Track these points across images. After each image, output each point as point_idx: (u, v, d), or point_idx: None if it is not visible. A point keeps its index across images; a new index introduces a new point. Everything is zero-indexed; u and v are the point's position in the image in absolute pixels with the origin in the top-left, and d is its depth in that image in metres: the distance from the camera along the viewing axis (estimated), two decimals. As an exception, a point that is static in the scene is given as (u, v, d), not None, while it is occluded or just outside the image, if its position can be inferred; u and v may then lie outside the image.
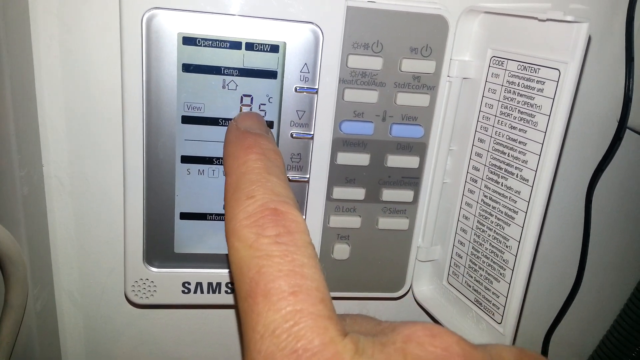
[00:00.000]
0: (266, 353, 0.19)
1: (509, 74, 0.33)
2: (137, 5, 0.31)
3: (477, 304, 0.37)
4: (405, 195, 0.38)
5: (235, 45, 0.33)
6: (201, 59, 0.33)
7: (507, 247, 0.34)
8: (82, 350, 0.44)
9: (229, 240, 0.23)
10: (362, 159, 0.37)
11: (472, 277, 0.38)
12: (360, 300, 0.45)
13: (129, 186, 0.34)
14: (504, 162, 0.34)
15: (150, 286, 0.37)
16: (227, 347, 0.45)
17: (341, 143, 0.36)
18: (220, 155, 0.35)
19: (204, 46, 0.32)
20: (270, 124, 0.35)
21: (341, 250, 0.39)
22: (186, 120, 0.34)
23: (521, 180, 0.33)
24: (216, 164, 0.35)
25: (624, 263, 0.51)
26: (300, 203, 0.37)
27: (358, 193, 0.38)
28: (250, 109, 0.34)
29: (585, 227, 0.47)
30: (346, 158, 0.37)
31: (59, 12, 0.34)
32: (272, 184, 0.25)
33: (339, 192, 0.38)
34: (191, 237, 0.37)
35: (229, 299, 0.38)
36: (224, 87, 0.34)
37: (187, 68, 0.33)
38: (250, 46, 0.33)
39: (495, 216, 0.35)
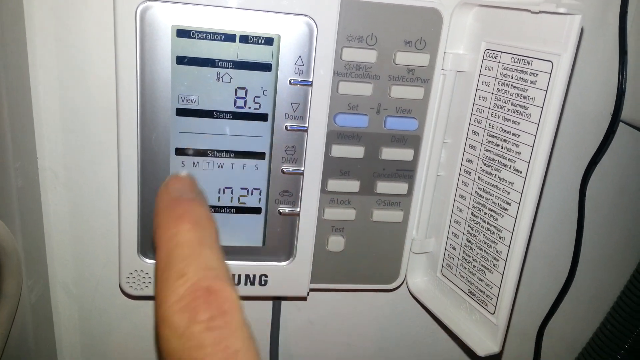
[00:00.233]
0: None
1: (503, 67, 0.33)
2: (131, -3, 0.31)
3: (471, 295, 0.38)
4: (400, 187, 0.39)
5: (229, 37, 0.33)
6: (195, 52, 0.33)
7: (500, 238, 0.35)
8: (77, 342, 0.44)
9: (158, 328, 0.21)
10: (356, 151, 0.37)
11: (465, 268, 0.38)
12: (354, 292, 0.45)
13: (124, 178, 0.35)
14: (497, 154, 0.34)
15: (145, 278, 0.37)
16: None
17: (336, 136, 0.36)
18: (215, 147, 0.35)
19: (198, 38, 0.32)
20: (264, 117, 0.35)
21: (336, 243, 0.39)
22: (180, 112, 0.34)
23: (514, 171, 0.33)
24: (210, 157, 0.35)
25: (617, 257, 0.51)
26: (295, 195, 0.37)
27: (353, 185, 0.38)
28: (245, 102, 0.34)
29: (579, 220, 0.47)
30: (341, 150, 0.37)
31: (53, 4, 0.34)
32: (204, 258, 0.23)
33: (334, 185, 0.38)
34: (186, 229, 0.37)
35: (223, 291, 0.38)
36: (218, 79, 0.34)
37: (182, 60, 0.33)
38: (244, 39, 0.33)
39: (489, 208, 0.35)
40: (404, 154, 0.38)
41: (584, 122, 0.44)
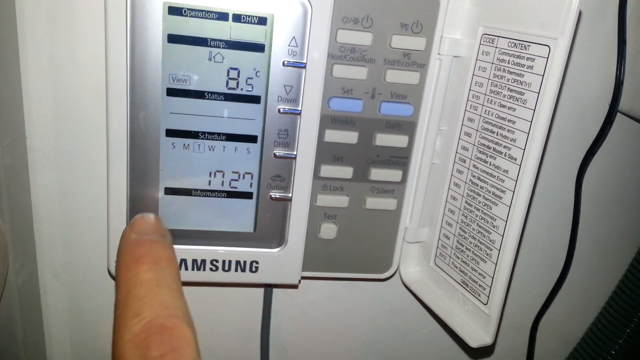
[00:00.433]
0: None
1: (500, 52, 0.33)
2: (121, -28, 0.30)
3: (464, 285, 0.37)
4: (394, 175, 0.38)
5: (222, 16, 0.32)
6: (187, 30, 0.32)
7: (494, 227, 0.34)
8: (66, 326, 0.43)
9: None
10: (350, 136, 0.36)
11: (459, 258, 0.38)
12: (346, 281, 0.45)
13: (113, 160, 0.34)
14: (492, 141, 0.34)
15: (134, 262, 0.36)
16: (211, 325, 0.45)
17: (329, 120, 0.36)
18: (207, 129, 0.35)
19: (190, 16, 0.32)
20: (257, 99, 0.34)
21: (328, 230, 0.39)
22: (171, 92, 0.33)
23: (509, 159, 0.33)
24: (202, 139, 0.35)
25: (613, 249, 0.51)
26: (287, 180, 0.36)
27: (346, 172, 0.37)
28: (237, 83, 0.34)
29: (575, 212, 0.46)
30: (334, 135, 0.36)
31: (43, -20, 0.34)
32: (161, 297, 0.24)
33: (327, 170, 0.37)
34: (176, 213, 0.36)
35: (213, 277, 0.37)
36: (210, 59, 0.33)
37: (173, 39, 0.32)
38: (237, 18, 0.32)
39: (483, 196, 0.35)
40: (399, 140, 0.37)
41: (581, 113, 0.44)
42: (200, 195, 0.36)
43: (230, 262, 0.37)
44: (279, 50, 0.33)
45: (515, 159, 0.32)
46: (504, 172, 0.33)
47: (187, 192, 0.36)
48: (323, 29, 0.33)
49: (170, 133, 0.34)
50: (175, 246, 0.36)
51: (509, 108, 0.32)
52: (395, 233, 0.40)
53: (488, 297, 0.35)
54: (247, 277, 0.38)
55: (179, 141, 0.35)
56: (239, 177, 0.36)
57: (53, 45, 0.35)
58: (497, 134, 0.33)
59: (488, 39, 0.34)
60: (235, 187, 0.36)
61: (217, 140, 0.35)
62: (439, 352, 0.50)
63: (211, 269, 0.37)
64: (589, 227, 0.49)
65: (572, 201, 0.46)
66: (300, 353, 0.48)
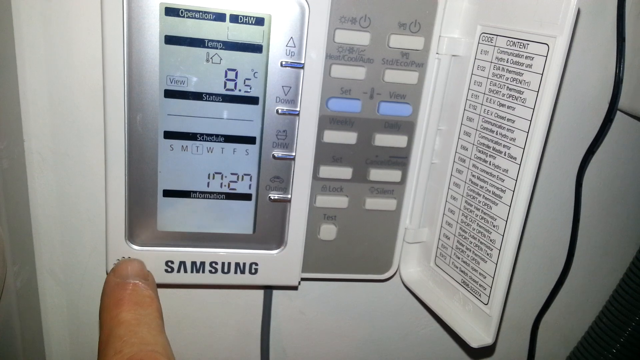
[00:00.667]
0: None
1: (498, 50, 0.33)
2: (118, -26, 0.30)
3: (464, 286, 0.37)
4: (393, 175, 0.38)
5: (219, 17, 0.32)
6: (184, 31, 0.32)
7: (494, 226, 0.34)
8: (65, 329, 0.43)
9: None
10: (349, 137, 0.36)
11: (459, 258, 0.37)
12: (346, 282, 0.45)
13: (110, 162, 0.34)
14: (492, 141, 0.34)
15: (133, 264, 0.36)
16: (210, 327, 0.45)
17: (328, 120, 0.36)
18: (205, 130, 0.34)
19: (187, 17, 0.32)
20: (255, 100, 0.34)
21: (328, 231, 0.39)
22: (169, 94, 0.33)
23: (509, 158, 0.32)
24: (200, 140, 0.35)
25: (614, 248, 0.51)
26: (286, 181, 0.36)
27: (345, 172, 0.37)
28: (235, 85, 0.34)
29: (575, 211, 0.46)
30: (333, 136, 0.36)
31: (39, -18, 0.33)
32: (141, 335, 0.26)
33: (326, 171, 0.37)
34: (174, 215, 0.36)
35: (212, 279, 0.37)
36: (207, 60, 0.33)
37: (170, 40, 0.32)
38: (234, 18, 0.32)
39: (483, 196, 0.35)
40: (398, 140, 0.37)
41: (580, 111, 0.44)
42: (199, 197, 0.36)
43: (229, 264, 0.37)
44: (277, 51, 0.33)
45: (515, 158, 0.32)
46: (503, 171, 0.33)
47: (185, 194, 0.36)
48: (321, 29, 0.33)
49: (169, 135, 0.34)
50: (175, 249, 0.36)
51: (509, 107, 0.32)
52: (395, 233, 0.40)
53: (489, 297, 0.35)
54: (246, 278, 0.38)
55: (177, 143, 0.34)
56: (237, 179, 0.36)
57: (50, 47, 0.35)
58: (497, 133, 0.33)
59: (486, 38, 0.34)
60: (234, 189, 0.36)
61: (215, 141, 0.35)
62: (439, 352, 0.50)
63: (210, 271, 0.37)
64: (590, 226, 0.48)
65: (572, 200, 0.46)
66: (301, 354, 0.48)
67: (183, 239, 0.37)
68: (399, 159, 0.38)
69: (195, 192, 0.36)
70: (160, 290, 0.42)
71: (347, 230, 0.39)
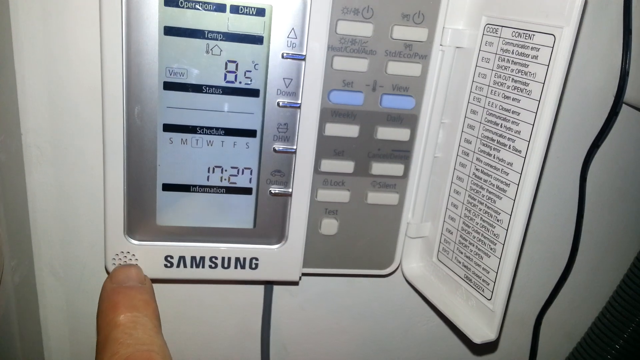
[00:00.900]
0: None
1: (503, 42, 0.32)
2: (116, -37, 0.30)
3: (467, 281, 0.37)
4: (396, 169, 0.37)
5: (219, 7, 0.31)
6: (184, 22, 0.31)
7: (498, 220, 0.33)
8: (64, 326, 0.43)
9: None
10: (351, 130, 0.36)
11: (462, 253, 0.37)
12: (347, 277, 0.44)
13: (109, 156, 0.33)
14: (496, 134, 0.33)
15: (132, 259, 0.36)
16: (208, 323, 0.44)
17: (330, 113, 0.35)
18: (205, 124, 0.34)
19: (186, 8, 0.31)
20: (256, 92, 0.34)
21: (329, 226, 0.38)
22: (168, 86, 0.33)
23: (514, 151, 0.32)
24: (200, 133, 0.34)
25: (618, 243, 0.50)
26: (287, 175, 0.36)
27: (347, 166, 0.37)
28: (235, 77, 0.33)
29: (579, 206, 0.46)
30: (335, 129, 0.36)
31: (36, -28, 0.33)
32: (137, 336, 0.27)
33: (327, 165, 0.36)
34: (174, 209, 0.36)
35: (212, 274, 0.37)
36: (207, 52, 0.32)
37: (169, 31, 0.31)
38: (235, 9, 0.32)
39: (487, 189, 0.34)
40: (400, 133, 0.36)
41: (585, 104, 0.43)
42: (198, 192, 0.35)
43: (229, 258, 0.37)
44: (278, 42, 0.33)
45: (520, 151, 0.32)
46: (508, 164, 0.32)
47: (185, 188, 0.35)
48: (323, 20, 0.32)
49: (168, 128, 0.34)
50: (174, 243, 0.36)
51: (514, 99, 0.32)
52: (397, 228, 0.39)
53: (492, 292, 0.35)
54: (246, 274, 0.37)
55: (177, 136, 0.34)
56: (238, 173, 0.35)
57: (48, 40, 0.34)
58: (501, 126, 0.33)
59: (491, 29, 0.33)
60: (235, 183, 0.36)
61: (215, 135, 0.34)
62: (442, 348, 0.50)
63: (210, 266, 0.37)
64: (594, 221, 0.48)
65: (576, 194, 0.46)
66: (301, 350, 0.47)
67: (183, 233, 0.36)
68: (402, 152, 0.37)
69: (195, 186, 0.35)
70: (159, 287, 0.41)
71: (348, 224, 0.38)
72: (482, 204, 0.35)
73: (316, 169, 0.36)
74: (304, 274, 0.39)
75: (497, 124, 0.33)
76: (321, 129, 0.35)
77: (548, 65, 0.29)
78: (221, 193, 0.36)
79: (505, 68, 0.32)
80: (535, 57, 0.30)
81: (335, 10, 0.33)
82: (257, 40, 0.33)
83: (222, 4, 0.31)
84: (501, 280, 0.34)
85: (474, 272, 0.36)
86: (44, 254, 0.40)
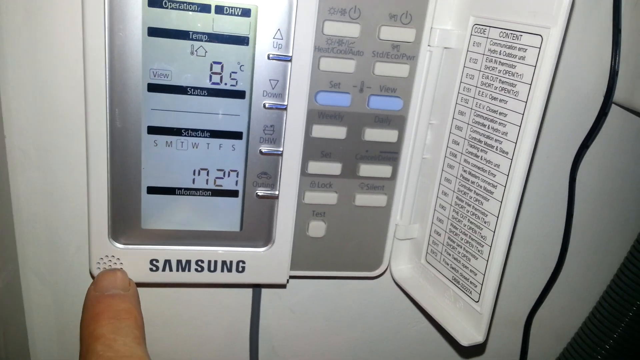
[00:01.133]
0: None
1: (491, 42, 0.32)
2: (97, -37, 0.29)
3: (455, 283, 0.36)
4: (384, 170, 0.37)
5: (204, 8, 0.31)
6: (168, 23, 0.31)
7: (485, 222, 0.33)
8: (51, 330, 0.42)
9: None
10: (338, 132, 0.35)
11: (450, 255, 0.37)
12: (336, 279, 0.44)
13: (92, 159, 0.33)
14: (483, 135, 0.33)
15: (117, 263, 0.35)
16: (198, 326, 0.44)
17: (316, 115, 0.35)
18: (190, 125, 0.33)
19: (170, 8, 0.31)
20: (242, 94, 0.33)
21: (316, 228, 0.38)
22: (152, 88, 0.32)
23: (501, 153, 0.32)
24: (185, 135, 0.34)
25: (608, 243, 0.50)
26: (274, 178, 0.35)
27: (334, 168, 0.36)
28: (221, 78, 0.33)
29: (569, 206, 0.46)
30: (322, 131, 0.35)
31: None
32: (117, 348, 0.27)
33: (314, 167, 0.36)
34: (159, 213, 0.35)
35: (198, 277, 0.36)
36: (192, 53, 0.32)
37: (153, 32, 0.31)
38: (220, 9, 0.31)
39: (474, 191, 0.34)
40: (388, 135, 0.36)
41: (575, 105, 0.43)
42: (184, 194, 0.35)
43: (216, 262, 0.36)
44: (264, 43, 0.32)
45: (507, 153, 0.31)
46: (495, 166, 0.32)
47: (170, 191, 0.35)
48: (309, 21, 0.32)
49: (152, 130, 0.33)
50: (160, 247, 0.36)
51: (501, 100, 0.31)
52: (385, 230, 0.39)
53: (479, 294, 0.34)
54: (233, 277, 0.37)
55: (161, 138, 0.33)
56: (224, 175, 0.35)
57: (32, 41, 0.34)
58: (489, 127, 0.32)
59: (479, 30, 0.33)
60: (221, 185, 0.35)
61: (200, 137, 0.34)
62: (430, 349, 0.50)
63: (196, 270, 0.36)
64: (583, 221, 0.48)
65: (566, 195, 0.45)
66: (290, 353, 0.47)
67: (168, 236, 0.36)
68: (390, 154, 0.37)
69: (180, 188, 0.35)
70: (146, 289, 0.41)
71: (336, 227, 0.38)
72: (469, 205, 0.34)
73: (303, 171, 0.36)
74: (291, 277, 0.39)
75: (485, 125, 0.33)
76: (308, 130, 0.35)
77: (535, 67, 0.29)
78: (207, 196, 0.35)
79: (492, 69, 0.32)
80: (523, 57, 0.30)
81: (321, 10, 0.32)
82: (242, 41, 0.32)
83: (206, 4, 0.31)
84: (488, 283, 0.33)
85: (462, 274, 0.36)
86: (29, 257, 0.39)
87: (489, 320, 0.34)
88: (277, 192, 0.36)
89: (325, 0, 0.32)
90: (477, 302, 0.34)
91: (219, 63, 0.32)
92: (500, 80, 0.31)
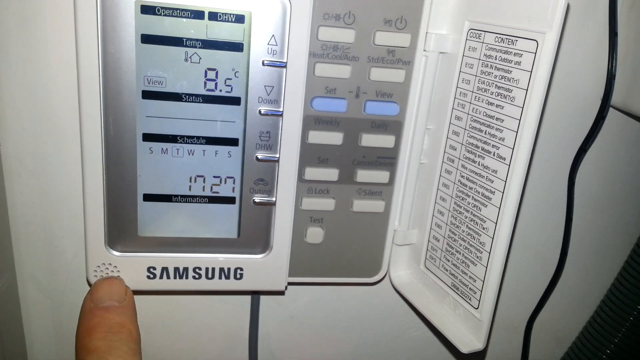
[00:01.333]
0: None
1: (487, 47, 0.32)
2: (91, -30, 0.29)
3: (454, 289, 0.36)
4: (381, 176, 0.37)
5: (197, 14, 0.31)
6: (161, 30, 0.31)
7: (483, 228, 0.33)
8: (48, 337, 0.42)
9: None
10: (335, 137, 0.35)
11: (449, 261, 0.36)
12: (334, 286, 0.44)
13: (88, 166, 0.33)
14: (481, 140, 0.33)
15: (114, 271, 0.35)
16: (198, 333, 0.44)
17: (312, 121, 0.35)
18: (185, 132, 0.33)
19: (164, 15, 0.31)
20: (237, 100, 0.33)
21: (314, 234, 0.38)
22: (147, 95, 0.32)
23: (498, 158, 0.31)
24: (180, 142, 0.33)
25: (608, 247, 0.50)
26: (271, 184, 0.35)
27: (331, 174, 0.36)
28: (215, 85, 0.33)
29: (568, 210, 0.45)
30: (318, 137, 0.35)
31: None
32: None
33: (311, 173, 0.36)
34: (156, 220, 0.35)
35: (196, 285, 0.36)
36: (186, 60, 0.32)
37: (147, 39, 0.31)
38: (213, 16, 0.31)
39: (472, 197, 0.34)
40: (385, 140, 0.36)
41: (572, 108, 0.43)
42: (180, 202, 0.35)
43: (213, 269, 0.36)
44: (258, 50, 0.32)
45: (504, 159, 0.31)
46: (492, 172, 0.32)
47: (166, 198, 0.35)
48: (303, 26, 0.32)
49: (148, 137, 0.33)
50: (156, 254, 0.35)
51: (497, 106, 0.31)
52: (384, 236, 0.39)
53: (479, 301, 0.34)
54: (231, 284, 0.37)
55: (157, 146, 0.33)
56: (220, 182, 0.35)
57: (26, 48, 0.34)
58: (486, 133, 0.32)
59: (474, 34, 0.33)
60: (217, 192, 0.35)
61: (196, 144, 0.34)
62: (430, 356, 0.49)
63: (194, 277, 0.36)
64: (583, 225, 0.48)
65: (564, 199, 0.45)
66: (290, 359, 0.47)
67: (165, 244, 0.35)
68: (387, 159, 0.37)
69: (176, 196, 0.35)
70: (144, 297, 0.41)
71: (334, 233, 0.38)
72: (467, 211, 0.34)
73: (300, 177, 0.36)
74: (290, 283, 0.39)
75: (482, 131, 0.33)
76: (304, 136, 0.35)
77: (531, 72, 0.29)
78: (204, 203, 0.35)
79: (488, 74, 0.32)
80: (519, 63, 0.30)
81: (316, 16, 0.32)
82: (236, 47, 0.32)
83: (200, 10, 0.31)
84: (488, 289, 0.33)
85: (461, 281, 0.35)
86: (26, 264, 0.39)
87: (488, 327, 0.34)
88: (274, 199, 0.35)
89: (319, 6, 0.32)
90: (476, 308, 0.34)
91: (214, 70, 0.32)
92: (496, 85, 0.31)
